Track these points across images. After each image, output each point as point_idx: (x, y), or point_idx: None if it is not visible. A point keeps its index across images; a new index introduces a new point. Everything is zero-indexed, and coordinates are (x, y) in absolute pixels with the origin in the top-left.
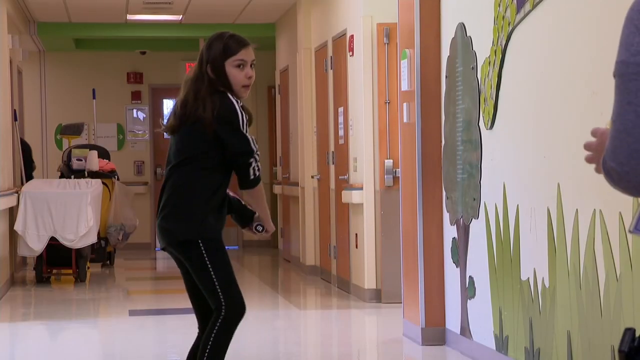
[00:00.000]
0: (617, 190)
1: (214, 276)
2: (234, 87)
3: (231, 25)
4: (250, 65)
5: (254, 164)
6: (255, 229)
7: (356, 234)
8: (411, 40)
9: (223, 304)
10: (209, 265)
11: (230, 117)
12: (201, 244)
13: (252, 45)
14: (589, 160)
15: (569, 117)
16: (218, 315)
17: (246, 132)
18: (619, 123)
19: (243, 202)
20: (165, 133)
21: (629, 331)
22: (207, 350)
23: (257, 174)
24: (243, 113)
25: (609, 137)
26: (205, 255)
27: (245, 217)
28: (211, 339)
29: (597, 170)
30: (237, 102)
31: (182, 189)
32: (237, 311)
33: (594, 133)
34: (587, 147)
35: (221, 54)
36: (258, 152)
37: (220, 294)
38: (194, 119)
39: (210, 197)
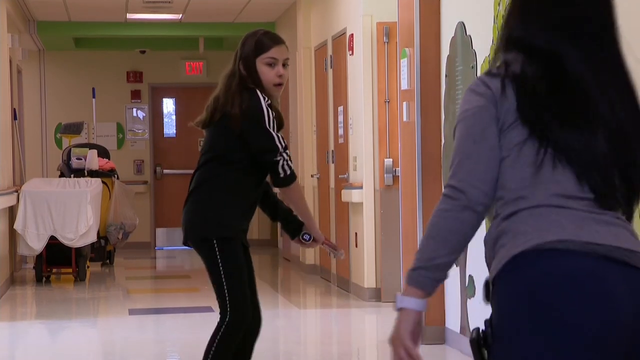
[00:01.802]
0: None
1: (224, 281)
2: (264, 85)
3: (231, 24)
4: (283, 65)
5: (282, 162)
6: (302, 238)
7: (356, 233)
8: (411, 39)
9: (228, 309)
10: (221, 268)
11: (255, 114)
12: (216, 244)
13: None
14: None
15: None
16: (223, 319)
17: (273, 129)
18: (462, 155)
19: (294, 212)
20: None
21: (475, 329)
22: (211, 354)
23: (288, 172)
24: (270, 110)
25: (452, 169)
26: (218, 256)
27: (293, 227)
28: (215, 343)
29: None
30: (265, 100)
31: (205, 184)
32: (241, 317)
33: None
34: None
35: (253, 50)
36: (287, 150)
37: (227, 299)
38: (221, 115)
39: (234, 196)
